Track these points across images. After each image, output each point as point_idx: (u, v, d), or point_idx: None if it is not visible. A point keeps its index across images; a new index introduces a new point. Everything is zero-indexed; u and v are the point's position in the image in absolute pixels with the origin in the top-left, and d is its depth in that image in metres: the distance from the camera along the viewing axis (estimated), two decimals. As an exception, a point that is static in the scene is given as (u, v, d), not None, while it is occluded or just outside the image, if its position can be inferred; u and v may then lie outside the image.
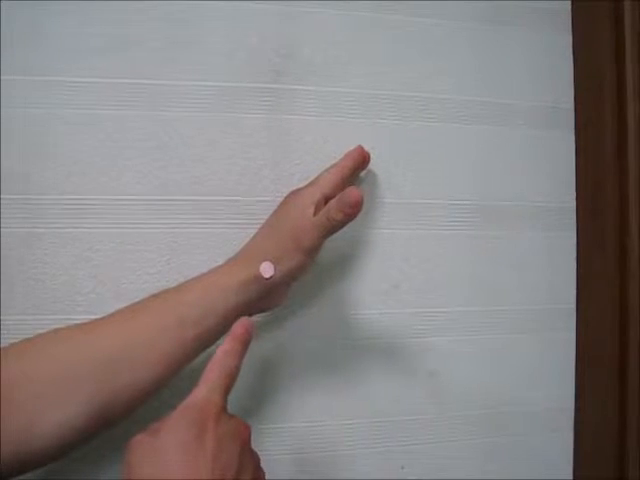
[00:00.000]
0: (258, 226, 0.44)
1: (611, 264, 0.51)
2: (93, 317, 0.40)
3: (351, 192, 0.38)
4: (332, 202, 0.40)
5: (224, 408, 0.32)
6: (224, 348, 0.34)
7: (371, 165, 0.49)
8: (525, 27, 0.54)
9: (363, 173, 0.50)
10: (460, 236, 0.52)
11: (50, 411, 0.35)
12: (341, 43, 0.50)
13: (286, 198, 0.44)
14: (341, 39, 0.50)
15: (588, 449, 0.52)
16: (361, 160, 0.48)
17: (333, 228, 0.40)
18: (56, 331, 0.38)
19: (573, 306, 0.54)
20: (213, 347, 0.42)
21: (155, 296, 0.41)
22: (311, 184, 0.44)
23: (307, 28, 0.49)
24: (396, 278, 0.50)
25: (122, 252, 0.46)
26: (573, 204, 0.54)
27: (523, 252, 0.53)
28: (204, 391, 0.32)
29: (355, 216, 0.39)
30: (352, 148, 0.48)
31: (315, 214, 0.41)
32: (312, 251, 0.41)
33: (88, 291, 0.45)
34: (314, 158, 0.48)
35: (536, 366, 0.53)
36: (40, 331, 0.39)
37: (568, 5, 0.55)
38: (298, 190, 0.44)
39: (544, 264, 0.54)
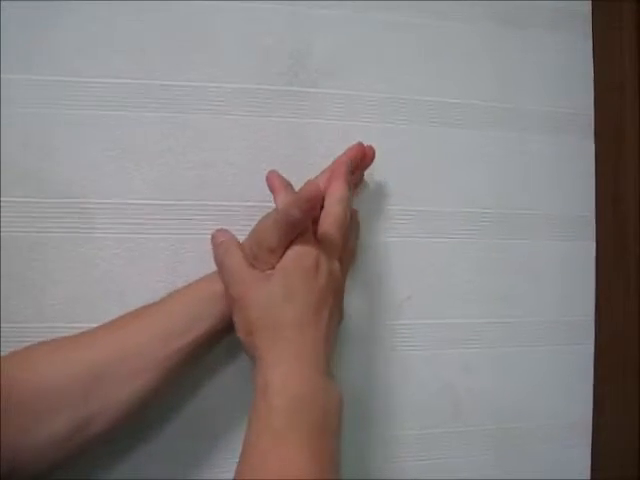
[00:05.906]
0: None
1: (632, 275, 0.50)
2: (98, 324, 0.40)
3: (308, 186, 0.36)
4: (290, 197, 0.38)
5: (322, 257, 0.38)
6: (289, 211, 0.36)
7: (383, 170, 0.48)
8: (543, 30, 0.53)
9: (373, 178, 0.48)
10: (475, 245, 0.51)
11: (36, 422, 0.34)
12: (356, 46, 0.49)
13: None
14: (356, 42, 0.49)
15: (606, 466, 0.51)
16: (360, 157, 0.45)
17: (291, 226, 0.37)
18: (45, 342, 0.38)
19: (590, 318, 0.53)
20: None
21: (143, 308, 0.41)
22: None
23: (322, 30, 0.48)
24: (409, 289, 0.49)
25: (129, 258, 0.45)
26: (591, 213, 0.53)
27: (539, 262, 0.52)
28: (302, 252, 0.37)
29: (312, 212, 0.37)
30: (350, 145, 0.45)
31: None
32: (275, 251, 0.38)
33: (94, 297, 0.44)
34: (329, 161, 0.46)
35: (552, 379, 0.52)
36: (43, 338, 0.38)
37: (588, 6, 0.54)
38: None
39: (561, 274, 0.52)
